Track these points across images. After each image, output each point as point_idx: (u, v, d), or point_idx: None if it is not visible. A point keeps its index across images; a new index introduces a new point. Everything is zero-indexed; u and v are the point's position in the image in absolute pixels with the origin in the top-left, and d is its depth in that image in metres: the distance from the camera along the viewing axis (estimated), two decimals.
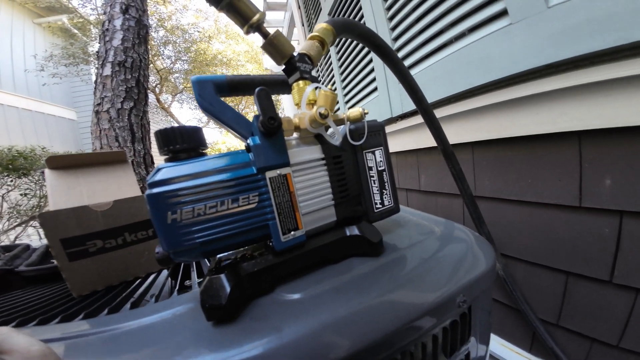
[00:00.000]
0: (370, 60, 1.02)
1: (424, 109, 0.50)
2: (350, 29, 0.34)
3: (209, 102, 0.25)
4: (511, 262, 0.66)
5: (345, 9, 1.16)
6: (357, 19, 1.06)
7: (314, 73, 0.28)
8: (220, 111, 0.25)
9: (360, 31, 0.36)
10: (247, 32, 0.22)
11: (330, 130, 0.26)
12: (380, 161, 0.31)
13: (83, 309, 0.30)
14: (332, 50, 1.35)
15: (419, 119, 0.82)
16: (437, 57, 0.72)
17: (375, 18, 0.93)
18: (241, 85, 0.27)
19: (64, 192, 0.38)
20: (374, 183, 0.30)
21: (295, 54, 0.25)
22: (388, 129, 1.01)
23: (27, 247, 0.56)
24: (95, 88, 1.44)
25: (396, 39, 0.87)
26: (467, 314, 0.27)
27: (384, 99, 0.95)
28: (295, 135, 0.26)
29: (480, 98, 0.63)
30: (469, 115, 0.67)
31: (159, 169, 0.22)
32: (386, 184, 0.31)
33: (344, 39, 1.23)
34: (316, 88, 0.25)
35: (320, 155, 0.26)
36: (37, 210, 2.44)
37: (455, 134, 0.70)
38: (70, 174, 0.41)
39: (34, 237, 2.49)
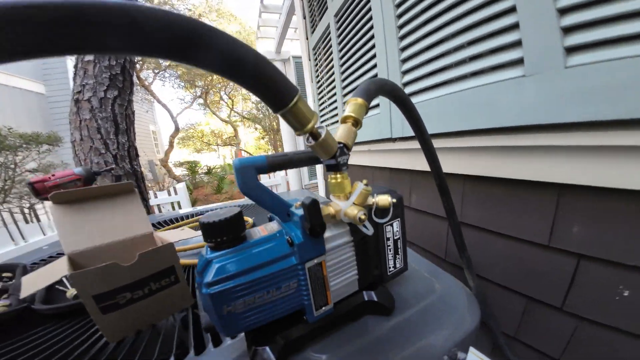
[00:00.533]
0: (375, 75, 1.03)
1: (428, 149, 0.54)
2: (380, 92, 0.37)
3: (251, 187, 0.27)
4: (484, 283, 0.75)
5: (352, 10, 1.14)
6: (365, 29, 1.06)
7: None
8: (260, 196, 0.27)
9: (389, 89, 0.39)
10: (299, 134, 0.24)
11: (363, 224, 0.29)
12: (397, 231, 0.35)
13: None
14: (335, 55, 1.34)
15: (416, 144, 0.86)
16: (443, 90, 0.75)
17: (386, 41, 0.94)
18: (279, 165, 0.29)
19: (73, 232, 0.38)
20: (390, 251, 0.34)
21: (338, 148, 0.27)
22: (383, 146, 1.05)
23: (25, 267, 0.54)
24: (75, 74, 1.32)
25: (405, 60, 0.88)
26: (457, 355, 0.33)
27: (385, 118, 0.98)
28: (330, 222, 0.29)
29: (479, 138, 0.68)
30: (466, 151, 0.72)
31: (210, 263, 0.24)
32: (399, 249, 0.35)
33: (347, 39, 1.22)
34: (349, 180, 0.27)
35: (349, 239, 0.29)
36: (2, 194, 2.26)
37: (451, 165, 0.76)
38: (76, 210, 0.40)
39: None
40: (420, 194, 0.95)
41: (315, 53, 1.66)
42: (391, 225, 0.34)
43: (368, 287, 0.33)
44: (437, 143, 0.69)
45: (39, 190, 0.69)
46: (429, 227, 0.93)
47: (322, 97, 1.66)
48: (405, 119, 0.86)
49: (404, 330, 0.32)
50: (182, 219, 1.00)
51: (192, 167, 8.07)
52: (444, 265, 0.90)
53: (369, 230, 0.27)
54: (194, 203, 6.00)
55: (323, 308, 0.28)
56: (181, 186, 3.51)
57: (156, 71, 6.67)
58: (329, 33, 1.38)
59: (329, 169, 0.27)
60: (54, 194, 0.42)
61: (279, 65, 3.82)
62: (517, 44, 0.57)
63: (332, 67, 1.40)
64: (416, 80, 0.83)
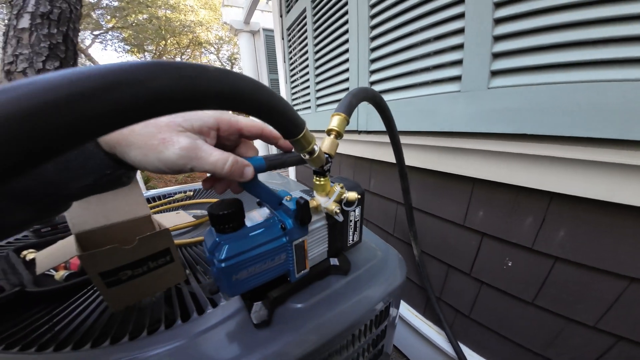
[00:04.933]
0: (347, 70, 1.10)
1: (395, 142, 0.66)
2: (362, 100, 0.45)
3: (251, 186, 0.35)
4: (421, 253, 0.96)
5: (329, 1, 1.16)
6: (340, 22, 1.10)
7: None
8: (257, 191, 0.35)
9: (370, 96, 0.47)
10: (301, 152, 0.29)
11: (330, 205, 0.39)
12: (358, 214, 0.46)
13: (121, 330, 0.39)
14: (310, 41, 1.35)
15: (379, 138, 0.99)
16: (401, 95, 0.87)
17: (359, 41, 1.00)
18: (275, 166, 0.36)
19: (79, 214, 0.42)
20: (351, 229, 0.46)
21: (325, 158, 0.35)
22: (350, 137, 1.16)
23: (7, 255, 0.53)
24: (5, 43, 1.09)
25: (374, 60, 0.97)
26: (389, 306, 0.48)
27: (353, 113, 1.08)
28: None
29: (423, 138, 0.83)
30: (413, 147, 0.87)
31: (220, 244, 0.32)
32: (358, 227, 0.48)
33: (322, 28, 1.25)
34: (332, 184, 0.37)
35: (324, 223, 0.40)
36: None
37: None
38: None
39: None
40: (378, 180, 1.10)
41: (290, 34, 1.63)
42: (354, 211, 0.45)
43: (333, 255, 0.45)
44: None
45: None
46: (382, 207, 1.10)
47: (295, 80, 1.67)
48: (369, 117, 0.97)
49: (354, 285, 0.45)
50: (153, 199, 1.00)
51: None
52: (391, 239, 1.10)
53: (340, 218, 0.37)
54: (147, 181, 5.49)
55: (302, 271, 0.39)
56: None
57: (95, 33, 5.51)
58: (305, 17, 1.38)
59: (317, 173, 0.36)
60: None
61: (247, 36, 3.53)
62: (459, 62, 0.69)
63: (307, 52, 1.42)
64: (382, 81, 0.94)
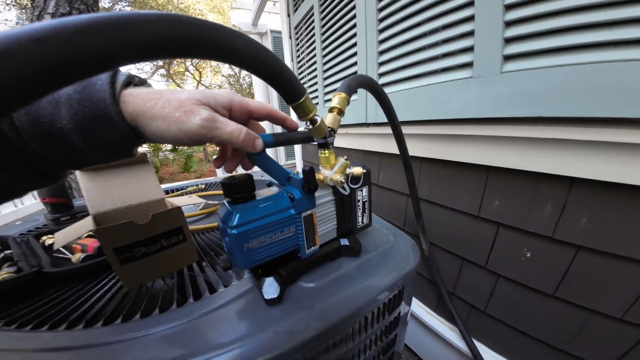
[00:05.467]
0: (355, 63, 1.10)
1: (397, 132, 0.66)
2: (360, 85, 0.46)
3: (261, 159, 0.35)
4: (432, 247, 0.93)
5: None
6: (347, 18, 1.11)
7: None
8: (266, 165, 0.35)
9: (367, 82, 0.48)
10: (303, 121, 0.32)
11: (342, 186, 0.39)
12: (365, 195, 0.46)
13: (134, 309, 0.39)
14: (318, 38, 1.37)
15: (387, 130, 0.98)
16: (411, 84, 0.86)
17: (367, 34, 1.00)
18: (282, 142, 0.37)
19: (97, 196, 0.43)
20: (359, 210, 0.45)
21: (327, 130, 0.36)
22: (359, 130, 1.16)
23: (15, 239, 0.55)
24: None
25: (382, 52, 0.97)
26: (402, 290, 0.46)
27: (362, 105, 1.08)
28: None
29: (434, 127, 0.81)
30: (424, 137, 0.86)
31: (232, 213, 0.32)
32: (366, 209, 0.47)
33: (329, 24, 1.26)
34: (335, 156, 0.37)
35: (332, 198, 0.39)
36: None
37: (412, 148, 0.90)
38: (99, 175, 0.45)
39: None
40: (387, 173, 1.09)
41: (297, 32, 1.66)
42: (361, 190, 0.44)
43: (343, 235, 0.44)
44: (403, 129, 0.81)
45: None
46: (392, 200, 1.09)
47: (303, 77, 1.69)
48: (378, 108, 0.97)
49: (366, 267, 0.44)
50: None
51: (154, 144, 7.44)
52: None
53: (346, 191, 0.37)
54: (160, 182, 5.64)
55: (312, 248, 0.39)
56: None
57: None
58: (312, 15, 1.39)
59: (320, 146, 0.37)
60: None
61: (255, 38, 3.59)
62: (470, 49, 0.69)
63: (314, 49, 1.43)
64: (390, 72, 0.93)
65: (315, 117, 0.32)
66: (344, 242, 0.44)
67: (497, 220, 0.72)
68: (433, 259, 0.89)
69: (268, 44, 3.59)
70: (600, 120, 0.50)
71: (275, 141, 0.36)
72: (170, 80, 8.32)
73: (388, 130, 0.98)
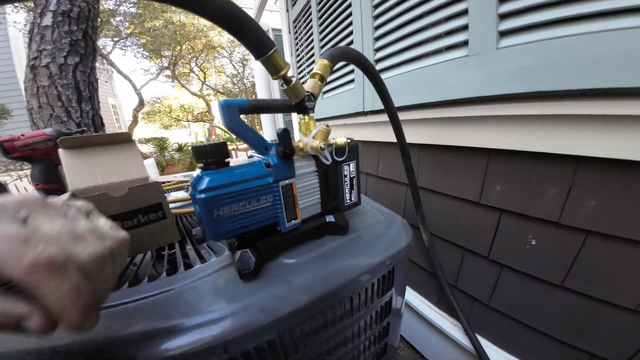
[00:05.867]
0: None
1: (392, 115, 0.64)
2: (343, 57, 0.44)
3: (235, 124, 0.33)
4: (432, 237, 0.89)
5: None
6: (343, 16, 1.09)
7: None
8: (243, 131, 0.33)
9: (352, 56, 0.46)
10: (275, 79, 0.30)
11: (323, 153, 0.36)
12: (353, 170, 0.43)
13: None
14: (315, 29, 1.35)
15: (385, 117, 0.95)
16: (407, 68, 0.84)
17: (362, 20, 0.98)
18: (259, 107, 0.35)
19: (79, 173, 0.42)
20: (347, 186, 0.43)
21: (306, 95, 0.34)
22: (358, 120, 1.13)
23: None
24: (30, 40, 1.19)
25: (378, 38, 0.94)
26: (392, 272, 0.43)
27: (359, 93, 1.05)
28: (299, 154, 0.36)
29: (431, 111, 0.78)
30: (421, 123, 0.83)
31: (202, 177, 0.30)
32: (354, 186, 0.44)
33: (327, 14, 1.25)
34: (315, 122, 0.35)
35: (314, 169, 0.37)
36: None
37: (408, 135, 0.87)
38: (82, 153, 0.44)
39: None
40: (386, 164, 1.06)
41: (296, 27, 1.65)
42: (348, 165, 0.42)
43: (328, 212, 0.42)
44: (400, 116, 0.79)
45: (8, 149, 0.67)
46: (391, 191, 1.06)
47: (302, 71, 1.68)
48: (375, 95, 0.94)
49: (354, 244, 0.41)
50: None
51: (160, 143, 7.56)
52: None
53: (328, 161, 0.34)
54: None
55: (293, 221, 0.36)
56: (149, 162, 3.33)
57: (115, 39, 5.94)
58: (310, 7, 1.38)
59: (299, 111, 0.34)
60: (62, 139, 0.45)
61: None
62: (464, 27, 0.66)
63: (312, 41, 1.42)
64: (386, 58, 0.91)
65: (290, 77, 0.30)
66: (330, 218, 0.41)
67: (500, 207, 0.68)
68: (434, 250, 0.86)
69: None
70: (602, 93, 0.46)
71: (250, 106, 0.34)
72: (176, 81, 8.47)
73: (385, 118, 0.95)
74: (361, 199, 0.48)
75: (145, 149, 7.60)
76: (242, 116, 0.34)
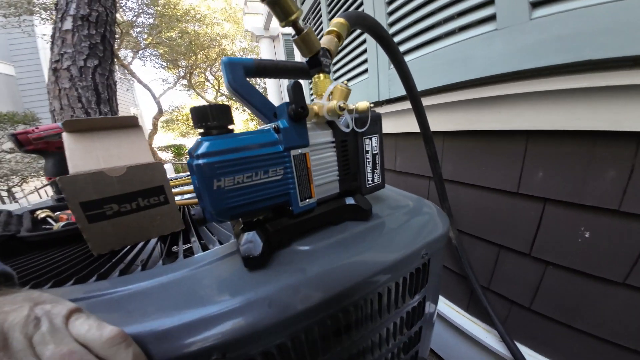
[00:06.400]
0: (364, 41, 1.03)
1: (413, 96, 0.58)
2: (361, 22, 0.38)
3: (239, 83, 0.28)
4: (460, 234, 0.81)
5: None
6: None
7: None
8: (248, 93, 0.29)
9: (369, 24, 0.40)
10: (284, 26, 0.25)
11: (342, 119, 0.31)
12: (375, 146, 0.37)
13: (95, 271, 0.33)
14: (325, 25, 1.32)
15: (402, 106, 0.89)
16: (426, 50, 0.78)
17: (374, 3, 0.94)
18: (267, 69, 0.30)
19: (81, 156, 0.39)
20: (369, 164, 0.37)
21: (320, 49, 0.29)
22: None
23: (10, 213, 0.53)
24: (52, 43, 1.25)
25: (392, 24, 0.89)
26: (427, 264, 0.36)
27: (374, 82, 1.00)
28: (313, 120, 0.31)
29: (455, 93, 0.71)
30: (444, 108, 0.76)
31: (201, 142, 0.25)
32: (377, 165, 0.38)
33: (337, 8, 1.21)
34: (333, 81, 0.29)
35: (331, 139, 0.32)
36: None
37: (431, 123, 0.79)
38: (86, 137, 0.41)
39: None
40: (404, 156, 0.99)
41: (305, 24, 1.63)
42: (370, 139, 0.36)
43: (347, 194, 0.36)
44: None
45: (23, 142, 0.67)
46: (411, 185, 0.98)
47: None
48: (391, 83, 0.88)
49: (379, 231, 0.35)
50: None
51: (177, 150, 7.83)
52: None
53: (348, 127, 0.29)
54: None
55: (307, 200, 0.31)
56: (167, 167, 3.42)
57: (135, 50, 6.27)
58: (319, 3, 1.36)
59: (312, 66, 0.29)
60: (66, 121, 0.43)
61: (267, 41, 3.70)
62: (490, 2, 0.61)
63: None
64: (402, 43, 0.85)
65: (301, 26, 0.25)
66: (350, 201, 0.36)
67: (543, 196, 0.60)
68: (462, 249, 0.77)
69: (280, 47, 3.64)
70: None
71: (257, 66, 0.29)
72: (192, 90, 8.78)
73: (402, 106, 0.89)
74: (385, 184, 0.42)
75: (164, 155, 7.88)
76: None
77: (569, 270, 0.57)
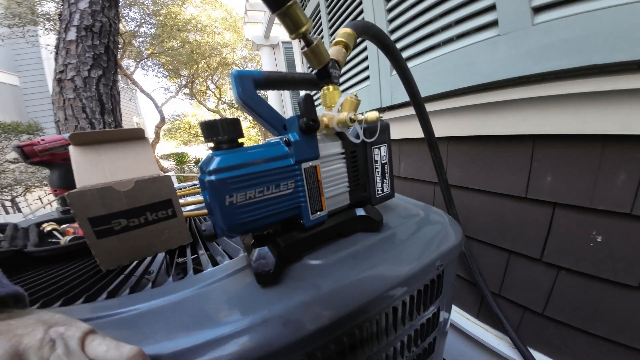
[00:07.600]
0: (365, 48, 1.04)
1: (417, 102, 0.58)
2: (367, 31, 0.38)
3: (249, 96, 0.28)
4: (468, 241, 0.79)
5: None
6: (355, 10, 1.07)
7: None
8: (258, 105, 0.29)
9: (375, 32, 0.40)
10: (294, 38, 0.25)
11: (351, 129, 0.31)
12: (384, 155, 0.37)
13: (104, 288, 0.33)
14: (326, 33, 1.34)
15: (405, 112, 0.89)
16: (428, 56, 0.78)
17: (374, 9, 0.95)
18: (276, 81, 0.30)
19: (87, 169, 0.39)
20: (378, 173, 0.37)
21: (330, 60, 0.29)
22: None
23: (16, 226, 0.53)
24: (56, 54, 1.26)
25: (393, 31, 0.90)
26: (442, 275, 0.36)
27: (375, 89, 1.00)
28: (322, 132, 0.31)
29: (460, 99, 0.71)
30: (448, 113, 0.75)
31: (212, 157, 0.25)
32: (387, 174, 0.38)
33: (337, 15, 1.22)
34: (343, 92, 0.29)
35: (341, 150, 0.31)
36: None
37: (435, 129, 0.79)
38: (92, 150, 0.42)
39: None
40: (408, 162, 0.98)
41: (314, 37, 1.66)
42: (379, 148, 0.36)
43: (358, 205, 0.36)
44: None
45: (28, 154, 0.67)
46: (416, 192, 0.97)
47: None
48: (394, 89, 0.88)
49: (390, 243, 0.35)
50: None
51: (179, 158, 7.87)
52: None
53: (358, 138, 0.29)
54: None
55: (318, 213, 0.30)
56: (170, 175, 3.43)
57: (137, 60, 6.38)
58: (319, 11, 1.38)
59: (321, 78, 0.29)
60: (72, 134, 0.43)
61: (268, 50, 3.75)
62: (492, 7, 0.61)
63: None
64: (404, 49, 0.86)
65: (311, 37, 0.25)
66: (360, 212, 0.35)
67: (552, 200, 0.59)
68: (471, 256, 0.76)
69: (280, 55, 3.68)
70: None
71: (266, 79, 0.29)
72: (194, 98, 8.87)
73: (405, 112, 0.89)
74: (394, 193, 0.41)
75: (166, 164, 7.92)
76: None
77: (582, 274, 0.56)
